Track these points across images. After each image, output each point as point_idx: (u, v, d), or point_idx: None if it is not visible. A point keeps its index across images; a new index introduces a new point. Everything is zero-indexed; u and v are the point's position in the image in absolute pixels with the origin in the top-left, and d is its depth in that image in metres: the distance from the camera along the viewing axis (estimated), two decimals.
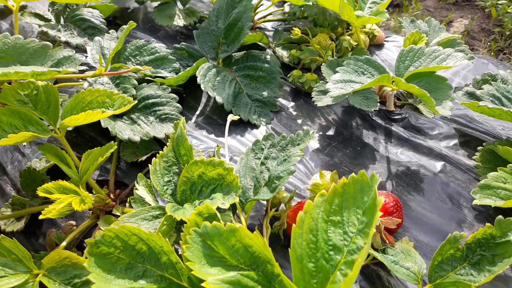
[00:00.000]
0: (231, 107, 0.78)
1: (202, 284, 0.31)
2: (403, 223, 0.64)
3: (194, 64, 0.77)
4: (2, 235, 0.48)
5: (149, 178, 0.56)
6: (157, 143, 0.73)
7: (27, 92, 0.55)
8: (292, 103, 0.87)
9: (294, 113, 0.84)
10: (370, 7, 0.85)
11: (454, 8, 1.98)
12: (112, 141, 0.58)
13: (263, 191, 0.53)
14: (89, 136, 0.78)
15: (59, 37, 0.76)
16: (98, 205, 0.64)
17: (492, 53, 1.66)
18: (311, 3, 0.88)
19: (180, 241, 0.37)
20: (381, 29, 1.09)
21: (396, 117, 0.83)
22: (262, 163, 0.55)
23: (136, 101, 0.65)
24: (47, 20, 0.84)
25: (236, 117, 0.68)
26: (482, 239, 0.49)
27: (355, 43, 0.94)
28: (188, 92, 0.86)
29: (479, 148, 0.72)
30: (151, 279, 0.37)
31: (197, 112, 0.84)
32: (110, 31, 0.78)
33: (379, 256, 0.51)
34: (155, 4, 0.96)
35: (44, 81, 0.57)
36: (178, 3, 0.99)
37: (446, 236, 0.50)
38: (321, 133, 0.80)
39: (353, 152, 0.77)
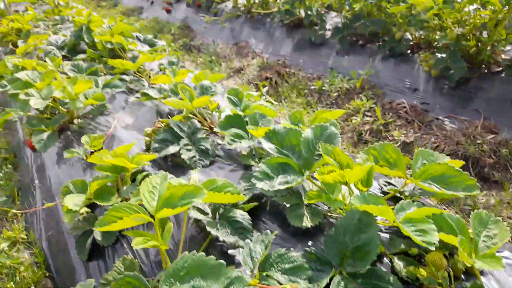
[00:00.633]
0: None
1: None
2: None
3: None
4: None
5: None
6: None
7: None
8: None
9: None
10: (484, 241, 0.92)
11: None
12: None
13: None
14: None
15: (218, 236, 0.96)
16: None
17: None
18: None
19: None
20: None
21: None
22: None
23: None
24: (205, 213, 1.07)
25: None
26: None
27: (469, 265, 0.99)
28: None
29: None
30: None
31: None
32: (256, 234, 0.96)
33: None
34: (288, 204, 1.16)
35: None
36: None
37: None
38: None
39: None
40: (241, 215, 1.04)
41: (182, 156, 1.39)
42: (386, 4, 2.73)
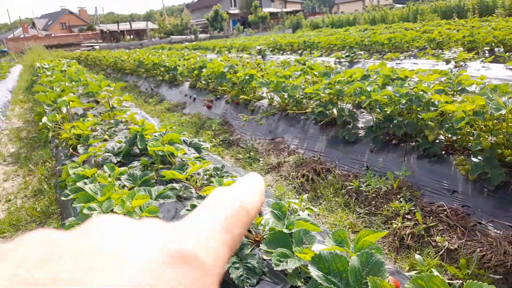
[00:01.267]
0: None
1: None
2: None
3: None
4: None
5: None
6: None
7: None
8: None
9: None
10: None
11: None
12: None
13: None
14: None
15: None
16: None
17: None
18: None
19: None
20: None
21: None
22: None
23: None
24: None
25: None
26: None
27: None
28: None
29: None
30: None
31: None
32: None
33: None
34: None
35: None
36: None
37: None
38: None
39: None
40: None
41: (231, 276, 1.46)
42: (416, 108, 2.88)
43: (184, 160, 2.63)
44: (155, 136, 2.77)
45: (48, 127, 3.71)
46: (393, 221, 2.41)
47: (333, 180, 3.07)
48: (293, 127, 4.11)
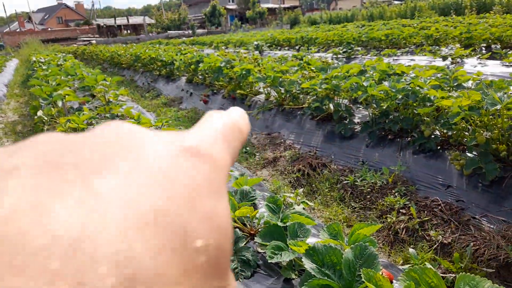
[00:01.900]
0: None
1: None
2: None
3: None
4: None
5: None
6: None
7: None
8: None
9: None
10: None
11: None
12: None
13: None
14: None
15: None
16: None
17: None
18: None
19: None
20: None
21: None
22: None
23: None
24: None
25: None
26: None
27: None
28: None
29: None
30: None
31: None
32: None
33: None
34: None
35: None
36: None
37: None
38: None
39: None
40: None
41: None
42: (412, 103, 2.89)
43: None
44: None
45: (44, 120, 3.70)
46: (388, 216, 2.43)
47: (328, 175, 3.08)
48: (290, 122, 4.11)
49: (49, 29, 46.55)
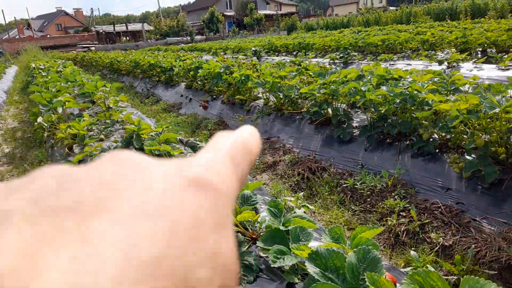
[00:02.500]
0: None
1: None
2: None
3: None
4: None
5: None
6: None
7: None
8: None
9: None
10: None
11: None
12: None
13: None
14: None
15: None
16: None
17: None
18: None
19: None
20: None
21: None
22: None
23: None
24: None
25: None
26: None
27: None
28: None
29: None
30: None
31: None
32: None
33: None
34: None
35: None
36: None
37: None
38: None
39: None
40: None
41: None
42: (410, 107, 2.91)
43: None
44: (151, 135, 2.77)
45: (44, 127, 3.70)
46: (388, 218, 2.43)
47: (328, 179, 3.09)
48: (289, 126, 4.13)
49: (48, 36, 46.66)
